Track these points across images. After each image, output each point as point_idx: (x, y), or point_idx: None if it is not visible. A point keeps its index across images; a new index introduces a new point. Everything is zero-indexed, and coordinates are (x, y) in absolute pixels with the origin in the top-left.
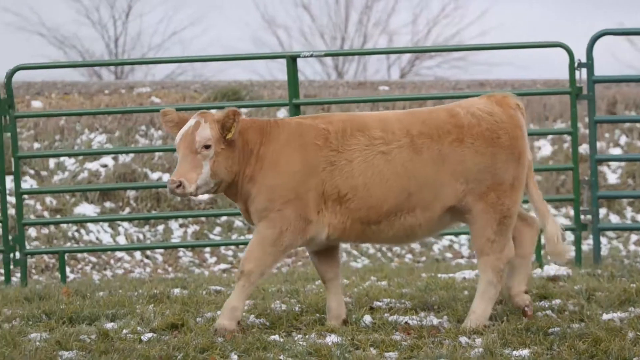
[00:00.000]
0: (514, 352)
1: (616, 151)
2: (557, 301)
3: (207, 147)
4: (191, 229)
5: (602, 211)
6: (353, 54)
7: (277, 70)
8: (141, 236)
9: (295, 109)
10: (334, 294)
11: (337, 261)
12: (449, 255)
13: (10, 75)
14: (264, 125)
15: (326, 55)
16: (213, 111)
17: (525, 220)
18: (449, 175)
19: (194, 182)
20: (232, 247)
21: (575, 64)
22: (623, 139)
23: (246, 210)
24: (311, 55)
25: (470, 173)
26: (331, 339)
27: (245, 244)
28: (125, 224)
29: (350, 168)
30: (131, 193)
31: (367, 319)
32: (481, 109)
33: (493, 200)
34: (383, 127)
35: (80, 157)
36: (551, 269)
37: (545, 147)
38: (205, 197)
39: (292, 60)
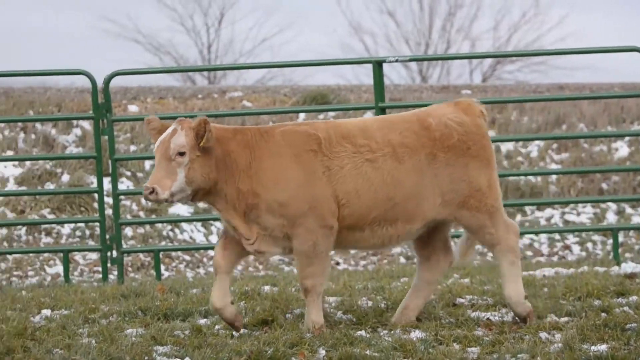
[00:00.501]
0: (592, 348)
1: None
2: (634, 298)
3: (182, 154)
4: None
5: None
6: (437, 59)
7: (364, 75)
8: None
9: (381, 112)
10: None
11: (238, 259)
12: (529, 253)
13: (108, 80)
14: (247, 137)
15: (411, 60)
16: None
17: (444, 249)
18: (428, 188)
19: (168, 188)
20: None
21: None
22: None
23: (243, 220)
24: (396, 61)
25: (444, 185)
26: (415, 334)
27: None
28: (218, 224)
29: (343, 174)
30: None
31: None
32: (452, 119)
33: (475, 204)
34: (365, 135)
35: None
36: (628, 267)
37: (622, 149)
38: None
39: (378, 65)
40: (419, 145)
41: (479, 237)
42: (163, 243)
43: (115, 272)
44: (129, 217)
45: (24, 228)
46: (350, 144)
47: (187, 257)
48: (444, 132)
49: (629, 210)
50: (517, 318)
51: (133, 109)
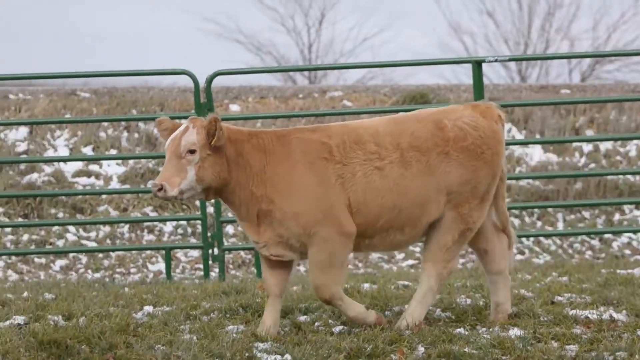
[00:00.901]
0: None
1: None
2: None
3: (192, 152)
4: None
5: None
6: (536, 59)
7: (463, 75)
8: None
9: None
10: (273, 306)
11: (288, 278)
12: (627, 252)
13: (210, 80)
14: (263, 140)
15: (510, 60)
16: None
17: (496, 233)
18: (435, 188)
19: (177, 186)
20: (419, 244)
21: None
22: None
23: (255, 223)
24: (495, 60)
25: (452, 185)
26: (514, 332)
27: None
28: None
29: (354, 182)
30: None
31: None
32: (467, 123)
33: (465, 212)
34: (376, 141)
35: None
36: None
37: None
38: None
39: (477, 65)
40: (431, 146)
41: (432, 242)
42: None
43: (217, 270)
44: (230, 215)
45: (127, 226)
46: (361, 151)
47: None
48: (458, 134)
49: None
50: (399, 326)
51: (235, 108)
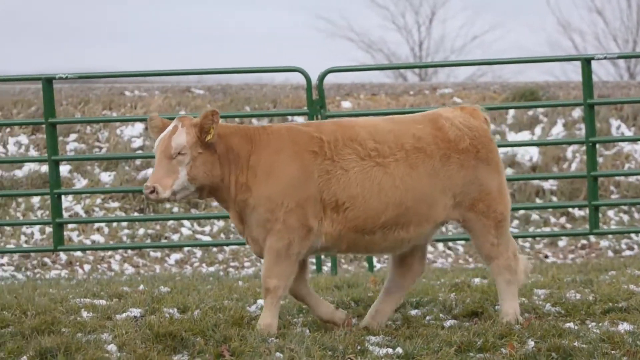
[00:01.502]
0: None
1: None
2: None
3: (183, 152)
4: None
5: None
6: None
7: (572, 72)
8: (443, 228)
9: (590, 109)
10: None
11: (307, 277)
12: None
13: (322, 77)
14: (250, 132)
15: (619, 57)
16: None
17: (420, 256)
18: (440, 190)
19: (169, 187)
20: (529, 239)
21: None
22: None
23: (239, 219)
24: (605, 58)
25: (457, 187)
26: (623, 327)
27: (535, 236)
28: None
29: (347, 178)
30: None
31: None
32: (462, 123)
33: (483, 209)
34: (376, 139)
35: None
36: None
37: None
38: None
39: (586, 63)
40: (435, 148)
41: (479, 244)
42: None
43: (329, 264)
44: None
45: None
46: (360, 147)
47: None
48: (457, 134)
49: None
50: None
51: (346, 105)
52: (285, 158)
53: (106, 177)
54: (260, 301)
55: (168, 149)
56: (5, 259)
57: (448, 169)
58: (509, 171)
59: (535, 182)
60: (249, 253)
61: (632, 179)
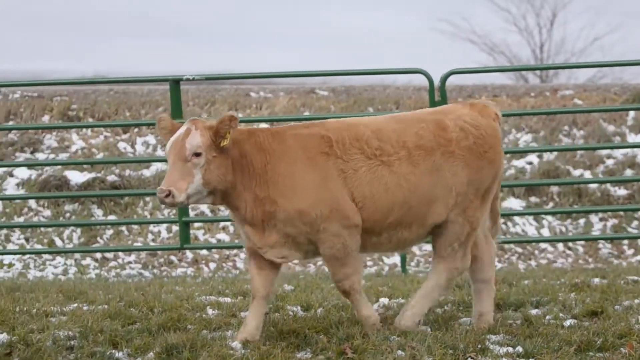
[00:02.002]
0: None
1: None
2: None
3: (198, 154)
4: (610, 222)
5: None
6: None
7: None
8: (563, 229)
9: None
10: (257, 309)
11: (275, 280)
12: None
13: (444, 79)
14: (260, 139)
15: None
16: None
17: (485, 241)
18: (442, 188)
19: (184, 191)
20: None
21: None
22: None
23: (257, 227)
24: None
25: (461, 186)
26: None
27: None
28: (549, 217)
29: (358, 177)
30: (554, 188)
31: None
32: (468, 122)
33: (469, 213)
34: (379, 137)
35: (508, 155)
36: None
37: None
38: (622, 192)
39: None
40: (435, 145)
41: (441, 242)
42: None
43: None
44: None
45: None
46: (365, 146)
47: (519, 249)
48: (460, 134)
49: None
50: (399, 323)
51: None
52: (302, 167)
53: None
54: (383, 300)
55: (182, 151)
56: (132, 257)
57: (453, 165)
58: (629, 172)
59: None
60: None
61: None
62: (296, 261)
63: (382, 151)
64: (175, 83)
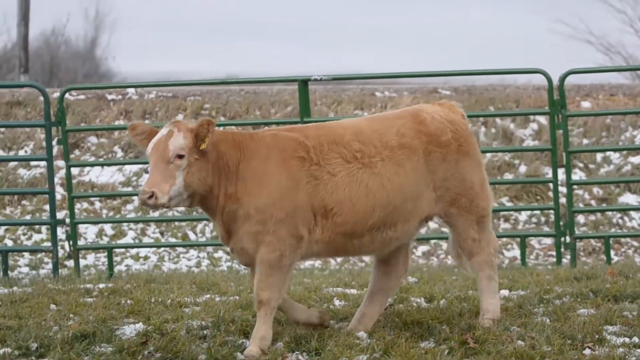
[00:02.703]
0: None
1: None
2: None
3: (181, 156)
4: None
5: None
6: None
7: None
8: None
9: None
10: (290, 307)
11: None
12: None
13: (563, 78)
14: (238, 139)
15: None
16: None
17: (403, 255)
18: (424, 185)
19: (167, 193)
20: None
21: None
22: None
23: (225, 229)
24: None
25: (438, 181)
26: None
27: None
28: None
29: (335, 182)
30: None
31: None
32: (443, 117)
33: (466, 204)
34: (360, 139)
35: (625, 152)
36: None
37: None
38: None
39: None
40: (417, 142)
41: (461, 240)
42: (613, 230)
43: (568, 256)
44: (581, 205)
45: None
46: (344, 149)
47: (636, 244)
48: (439, 127)
49: None
50: (480, 324)
51: (586, 105)
52: (274, 167)
53: None
54: (503, 291)
55: (165, 152)
56: None
57: (430, 163)
58: None
59: None
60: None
61: None
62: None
63: (362, 153)
64: (304, 83)
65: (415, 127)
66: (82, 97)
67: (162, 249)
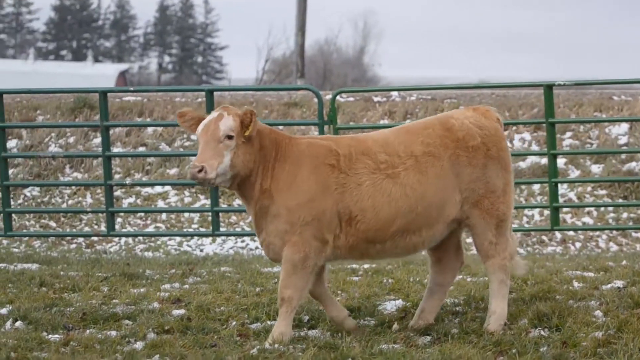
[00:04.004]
0: None
1: None
2: None
3: (230, 137)
4: None
5: None
6: None
7: None
8: None
9: None
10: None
11: (325, 277)
12: None
13: None
14: (280, 140)
15: None
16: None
17: (456, 250)
18: (450, 189)
19: (215, 169)
20: None
21: None
22: None
23: (256, 222)
24: None
25: (463, 183)
26: None
27: None
28: None
29: (360, 191)
30: None
31: None
32: (473, 123)
33: (488, 206)
34: (387, 151)
35: None
36: None
37: None
38: None
39: None
40: (443, 149)
41: (479, 241)
42: None
43: None
44: None
45: None
46: (371, 161)
47: None
48: (467, 133)
49: None
50: (487, 329)
51: None
52: (306, 172)
53: (596, 169)
54: None
55: (216, 132)
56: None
57: (457, 167)
58: None
59: None
60: None
61: None
62: None
63: (387, 164)
64: (549, 88)
65: (442, 134)
66: (351, 99)
67: None
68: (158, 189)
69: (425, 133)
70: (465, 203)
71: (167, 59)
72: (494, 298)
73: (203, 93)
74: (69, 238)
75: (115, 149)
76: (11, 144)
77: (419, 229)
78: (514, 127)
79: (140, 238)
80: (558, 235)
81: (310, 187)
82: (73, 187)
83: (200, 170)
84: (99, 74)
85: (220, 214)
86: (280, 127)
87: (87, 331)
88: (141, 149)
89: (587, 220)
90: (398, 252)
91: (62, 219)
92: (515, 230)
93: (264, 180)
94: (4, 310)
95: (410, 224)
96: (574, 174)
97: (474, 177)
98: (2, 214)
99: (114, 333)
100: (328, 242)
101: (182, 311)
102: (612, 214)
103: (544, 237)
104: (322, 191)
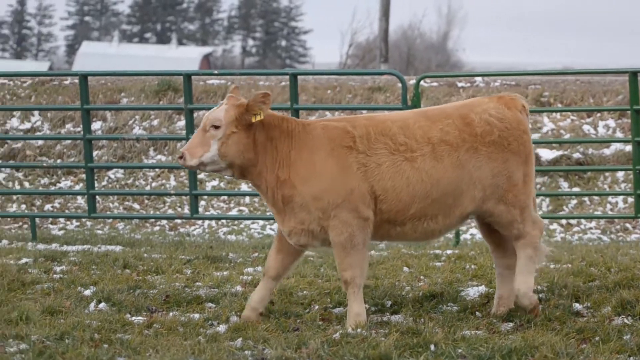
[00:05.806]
0: None
1: None
2: None
3: (216, 127)
4: None
5: None
6: None
7: None
8: None
9: None
10: (265, 286)
11: (290, 266)
12: None
13: None
14: (291, 127)
15: None
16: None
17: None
18: (467, 182)
19: (197, 157)
20: None
21: None
22: None
23: (277, 210)
24: None
25: (486, 179)
26: None
27: None
28: None
29: (380, 171)
30: None
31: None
32: (493, 115)
33: (512, 199)
34: (406, 134)
35: None
36: None
37: None
38: None
39: None
40: (460, 141)
41: (508, 230)
42: None
43: None
44: None
45: None
46: (390, 141)
47: None
48: (485, 129)
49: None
50: (521, 310)
51: None
52: (324, 156)
53: None
54: None
55: (205, 122)
56: (593, 224)
57: (476, 160)
58: None
59: None
60: None
61: None
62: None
63: (406, 147)
64: (634, 75)
65: (461, 127)
66: (435, 84)
67: None
68: None
69: (445, 122)
70: (489, 200)
71: (250, 42)
72: (519, 274)
73: (287, 77)
74: (152, 220)
75: None
76: (95, 126)
77: (436, 216)
78: (598, 114)
79: (224, 221)
80: None
81: (331, 170)
82: (157, 170)
83: (180, 157)
84: (183, 57)
85: None
86: (364, 112)
87: (170, 314)
88: None
89: None
90: (417, 237)
91: (146, 201)
92: (599, 217)
93: (280, 171)
94: (87, 292)
95: (427, 210)
96: None
97: (495, 172)
98: (86, 196)
99: (196, 316)
100: (369, 218)
101: None
102: None
103: (628, 225)
104: (343, 172)
